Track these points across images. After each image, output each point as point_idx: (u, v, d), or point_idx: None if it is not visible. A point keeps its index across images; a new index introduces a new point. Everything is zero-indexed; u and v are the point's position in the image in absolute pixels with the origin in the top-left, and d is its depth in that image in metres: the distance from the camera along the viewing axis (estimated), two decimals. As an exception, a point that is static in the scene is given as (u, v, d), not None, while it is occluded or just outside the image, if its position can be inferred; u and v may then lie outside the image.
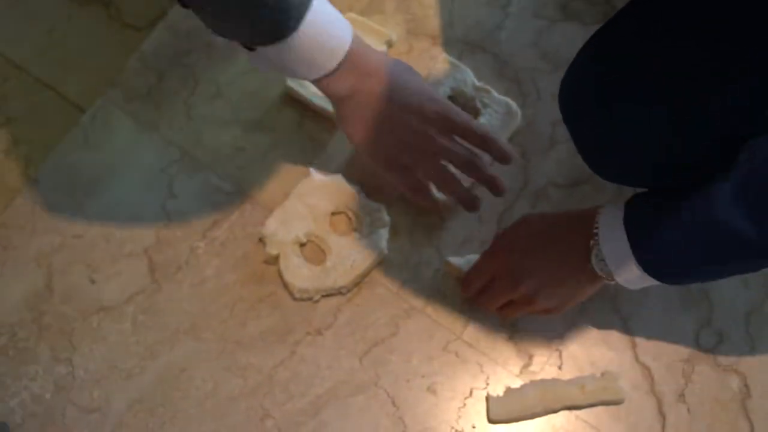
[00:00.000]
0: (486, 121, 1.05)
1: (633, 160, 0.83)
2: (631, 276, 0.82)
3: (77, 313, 0.99)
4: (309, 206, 1.01)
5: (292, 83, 1.06)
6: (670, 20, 0.79)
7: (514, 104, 1.06)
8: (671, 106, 0.78)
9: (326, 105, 1.03)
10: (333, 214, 1.03)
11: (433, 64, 1.10)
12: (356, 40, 0.88)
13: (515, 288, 0.91)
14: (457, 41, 1.13)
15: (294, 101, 1.08)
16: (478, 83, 1.07)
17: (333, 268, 0.99)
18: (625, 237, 0.81)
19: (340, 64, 0.86)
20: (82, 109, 1.10)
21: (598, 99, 0.83)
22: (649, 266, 0.80)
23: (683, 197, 0.79)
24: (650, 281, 0.82)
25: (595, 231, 0.84)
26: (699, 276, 0.85)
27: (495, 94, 1.06)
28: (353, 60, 0.87)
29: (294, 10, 0.79)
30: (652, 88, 0.79)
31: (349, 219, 1.02)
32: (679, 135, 0.79)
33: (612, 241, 0.82)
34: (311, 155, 1.06)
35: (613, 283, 0.85)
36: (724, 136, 0.78)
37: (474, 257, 0.97)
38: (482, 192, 1.03)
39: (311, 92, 1.06)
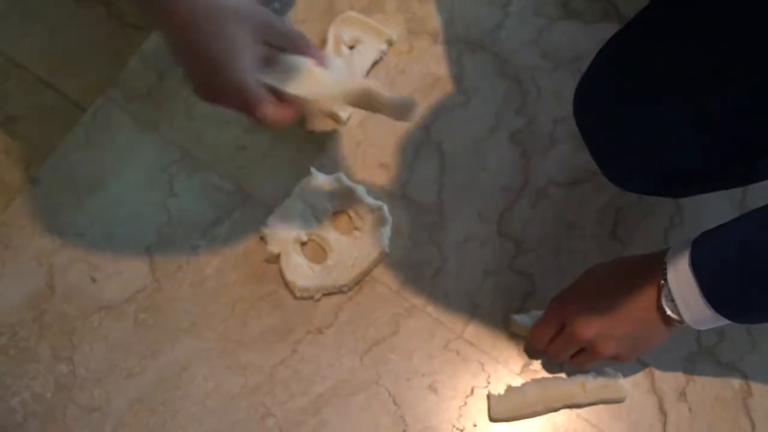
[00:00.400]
0: None
1: (642, 163, 0.83)
2: (702, 316, 0.78)
3: (78, 312, 0.99)
4: (310, 205, 1.01)
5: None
6: (676, 23, 0.79)
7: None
8: (676, 107, 0.78)
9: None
10: (334, 212, 1.03)
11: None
12: None
13: (585, 335, 0.86)
14: (458, 40, 1.13)
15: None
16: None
17: (334, 267, 0.99)
18: (692, 277, 0.77)
19: None
20: (83, 109, 1.10)
21: (610, 102, 0.83)
22: (720, 305, 0.76)
23: (748, 230, 0.77)
24: (722, 321, 0.77)
25: (663, 271, 0.80)
26: None
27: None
28: None
29: None
30: (659, 90, 0.79)
31: (350, 218, 1.02)
32: (685, 136, 0.79)
33: (680, 281, 0.78)
34: (312, 154, 1.06)
35: (684, 325, 0.81)
36: (730, 140, 0.78)
37: (539, 313, 0.97)
38: (485, 192, 1.03)
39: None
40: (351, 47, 1.10)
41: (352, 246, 1.00)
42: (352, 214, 1.02)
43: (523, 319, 0.96)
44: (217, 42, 0.72)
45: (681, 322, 0.80)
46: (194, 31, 0.71)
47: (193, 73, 0.76)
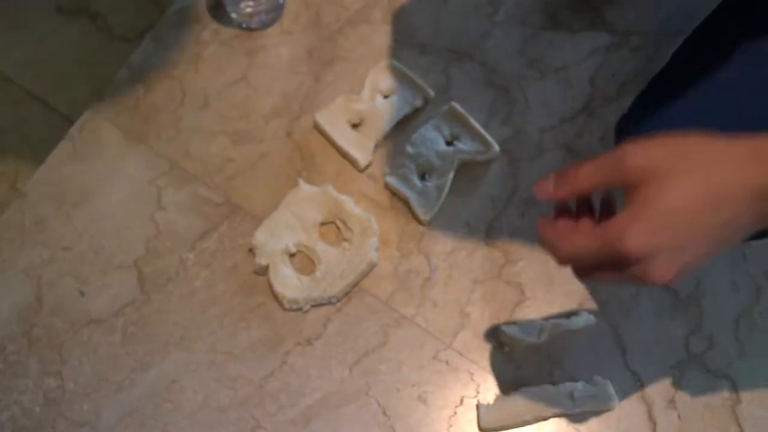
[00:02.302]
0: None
1: None
2: None
3: (67, 325, 0.99)
4: (298, 216, 1.01)
5: (319, 118, 1.08)
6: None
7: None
8: None
9: (348, 147, 1.06)
10: (322, 224, 1.03)
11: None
12: None
13: (665, 277, 0.63)
14: (445, 50, 1.13)
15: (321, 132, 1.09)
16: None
17: (322, 278, 0.99)
18: None
19: None
20: (71, 121, 1.10)
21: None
22: None
23: None
24: None
25: None
26: None
27: None
28: None
29: None
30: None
31: (338, 229, 1.03)
32: None
33: None
34: (300, 166, 1.06)
35: None
36: None
37: (524, 324, 0.97)
38: (472, 201, 1.03)
39: (336, 130, 1.07)
40: (386, 96, 1.09)
41: (341, 257, 1.00)
42: (340, 225, 1.02)
43: (511, 330, 0.96)
44: None
45: None
46: None
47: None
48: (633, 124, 0.90)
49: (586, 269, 0.68)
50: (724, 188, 0.60)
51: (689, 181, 0.61)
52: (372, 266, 1.00)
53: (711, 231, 0.61)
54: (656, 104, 0.88)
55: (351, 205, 1.01)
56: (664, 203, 0.61)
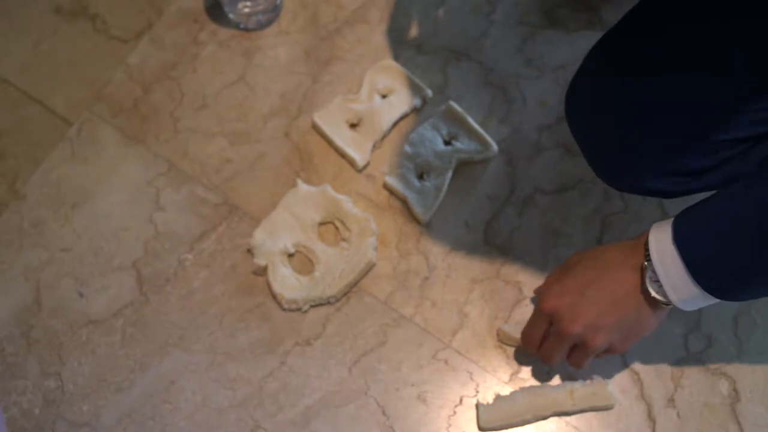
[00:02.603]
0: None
1: (635, 158, 0.84)
2: (688, 295, 0.77)
3: (66, 327, 0.99)
4: (296, 217, 1.01)
5: (318, 119, 1.08)
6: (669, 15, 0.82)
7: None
8: (674, 92, 0.80)
9: (347, 147, 1.06)
10: (321, 224, 1.03)
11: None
12: None
13: (573, 330, 0.84)
14: (442, 50, 1.13)
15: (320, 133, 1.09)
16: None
17: (321, 278, 0.99)
18: (676, 253, 0.76)
19: None
20: (69, 123, 1.10)
21: (606, 97, 0.85)
22: (706, 281, 0.75)
23: (731, 202, 0.76)
24: (710, 299, 0.77)
25: (646, 252, 0.79)
26: (758, 284, 0.77)
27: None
28: None
29: None
30: (657, 81, 0.81)
31: (337, 229, 1.03)
32: (682, 124, 0.81)
33: (664, 259, 0.77)
34: (298, 166, 1.06)
35: (670, 307, 0.80)
36: (726, 129, 0.80)
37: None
38: (470, 201, 1.03)
39: (335, 131, 1.07)
40: (384, 96, 1.10)
41: (339, 257, 1.00)
42: (338, 225, 1.02)
43: (511, 329, 0.96)
44: None
45: (667, 303, 0.79)
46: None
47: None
48: (582, 92, 0.91)
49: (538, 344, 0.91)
50: (610, 267, 0.83)
51: (583, 265, 0.87)
52: (371, 266, 1.00)
53: (602, 293, 0.83)
54: (604, 68, 0.89)
55: (349, 205, 1.02)
56: (564, 281, 0.87)
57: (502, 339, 0.98)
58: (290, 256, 1.01)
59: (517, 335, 0.96)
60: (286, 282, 0.99)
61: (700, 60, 0.80)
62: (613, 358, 0.96)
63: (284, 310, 0.99)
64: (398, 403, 0.96)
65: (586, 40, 1.13)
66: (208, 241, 1.02)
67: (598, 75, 0.88)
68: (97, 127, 1.09)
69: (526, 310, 0.99)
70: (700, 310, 0.98)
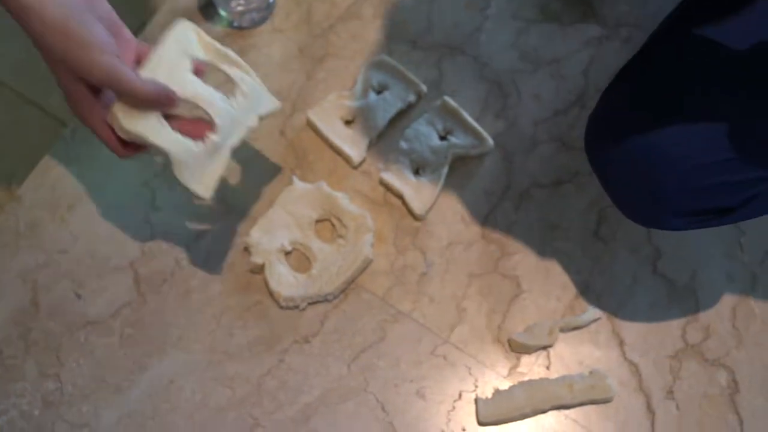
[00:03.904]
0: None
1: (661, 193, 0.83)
2: None
3: (64, 328, 0.99)
4: (293, 214, 1.01)
5: (312, 116, 1.07)
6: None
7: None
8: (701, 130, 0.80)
9: (342, 143, 1.06)
10: (317, 221, 1.03)
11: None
12: None
13: None
14: (437, 45, 1.13)
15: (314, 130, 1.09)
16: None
17: (318, 276, 0.99)
18: None
19: None
20: (64, 124, 1.10)
21: (629, 134, 0.84)
22: None
23: None
24: None
25: None
26: None
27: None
28: None
29: None
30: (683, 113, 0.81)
31: (333, 226, 1.03)
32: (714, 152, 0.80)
33: None
34: (294, 164, 1.06)
35: None
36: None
37: (538, 326, 0.98)
38: (467, 195, 1.03)
39: (329, 128, 1.07)
40: (378, 92, 1.09)
41: (336, 254, 1.00)
42: (335, 222, 1.02)
43: (522, 337, 0.97)
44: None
45: None
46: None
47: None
48: (603, 126, 0.90)
49: None
50: None
51: None
52: (368, 262, 1.00)
53: None
54: (626, 103, 0.88)
55: (345, 202, 1.01)
56: None
57: (514, 348, 0.98)
58: (287, 254, 1.01)
59: (530, 343, 0.96)
60: (283, 280, 0.99)
61: (729, 99, 0.81)
62: (612, 351, 0.97)
63: (282, 308, 0.99)
64: (397, 398, 0.96)
65: (580, 34, 1.13)
66: (204, 241, 1.02)
67: (623, 108, 0.88)
68: (92, 127, 1.09)
69: (525, 305, 1.00)
70: (696, 300, 0.99)
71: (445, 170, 1.03)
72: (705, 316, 0.99)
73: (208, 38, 0.88)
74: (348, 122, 1.08)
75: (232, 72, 0.89)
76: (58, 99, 1.10)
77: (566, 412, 0.95)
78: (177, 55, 0.84)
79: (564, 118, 1.08)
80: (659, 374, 0.97)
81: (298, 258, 1.02)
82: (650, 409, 0.95)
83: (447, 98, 1.06)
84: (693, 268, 1.01)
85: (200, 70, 0.86)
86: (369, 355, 0.98)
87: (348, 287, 1.00)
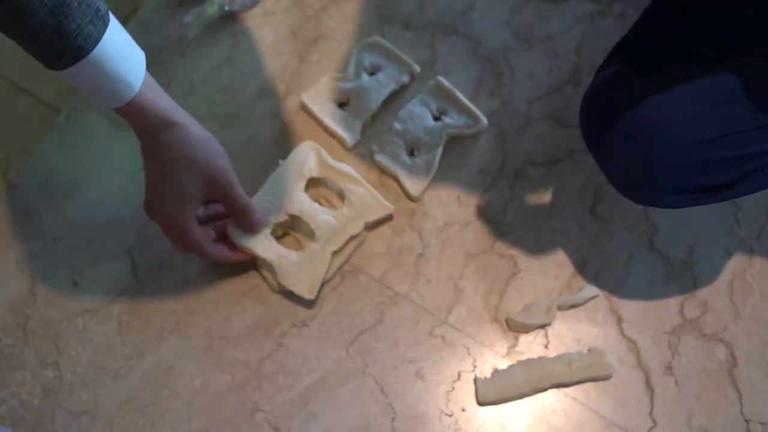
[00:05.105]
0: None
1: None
2: None
3: (62, 316, 0.99)
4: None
5: (306, 99, 1.07)
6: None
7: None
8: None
9: (336, 126, 1.06)
10: (308, 188, 1.01)
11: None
12: (146, 89, 0.82)
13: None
14: (429, 25, 1.12)
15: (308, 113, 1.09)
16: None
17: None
18: None
19: (128, 105, 0.80)
20: (58, 111, 1.09)
21: (624, 111, 0.83)
22: None
23: None
24: None
25: None
26: None
27: None
28: (137, 108, 0.81)
29: (68, 51, 0.74)
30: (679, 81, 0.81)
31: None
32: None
33: None
34: (288, 147, 1.05)
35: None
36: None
37: (535, 305, 0.98)
38: (462, 175, 1.03)
39: (323, 110, 1.07)
40: (372, 73, 1.09)
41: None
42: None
43: (520, 317, 0.97)
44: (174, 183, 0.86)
45: None
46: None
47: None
48: (598, 104, 0.90)
49: None
50: None
51: None
52: (363, 238, 1.00)
53: None
54: (621, 81, 0.88)
55: (333, 183, 1.02)
56: None
57: (512, 327, 0.98)
58: (279, 237, 1.00)
59: (528, 321, 0.96)
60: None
61: (726, 72, 0.81)
62: (610, 328, 0.97)
63: (278, 292, 0.99)
64: (396, 380, 0.96)
65: (573, 10, 1.12)
66: (200, 226, 1.02)
67: (617, 85, 0.88)
68: (86, 114, 1.09)
69: (522, 284, 1.00)
70: (693, 276, 0.99)
71: (440, 151, 1.03)
72: (702, 292, 0.99)
73: (326, 156, 1.02)
74: (342, 104, 1.07)
75: (344, 185, 1.01)
76: (52, 87, 1.11)
77: (565, 390, 0.95)
78: (294, 175, 1.00)
79: (558, 96, 1.08)
80: (658, 350, 0.97)
81: (291, 241, 1.01)
82: (649, 386, 0.95)
83: (440, 78, 1.05)
84: (690, 244, 1.01)
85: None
86: (367, 337, 0.98)
87: (344, 268, 1.00)
